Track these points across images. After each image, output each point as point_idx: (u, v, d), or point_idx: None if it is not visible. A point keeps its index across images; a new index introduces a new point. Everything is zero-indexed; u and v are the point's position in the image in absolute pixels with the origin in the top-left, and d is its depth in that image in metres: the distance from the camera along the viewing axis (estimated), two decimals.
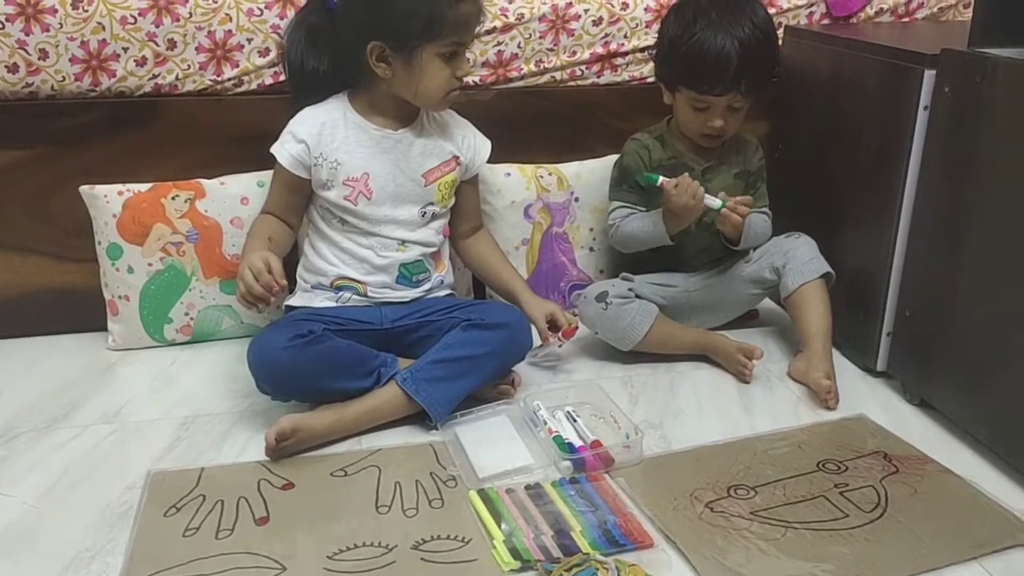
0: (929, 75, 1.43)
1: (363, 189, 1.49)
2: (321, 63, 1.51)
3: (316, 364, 1.39)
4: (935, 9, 1.98)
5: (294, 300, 1.56)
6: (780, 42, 1.87)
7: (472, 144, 1.60)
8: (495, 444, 1.38)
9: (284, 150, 1.50)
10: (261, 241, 1.47)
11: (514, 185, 1.79)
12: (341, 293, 1.52)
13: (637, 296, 1.64)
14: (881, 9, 1.94)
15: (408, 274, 1.54)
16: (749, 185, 1.73)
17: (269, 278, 1.34)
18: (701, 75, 1.57)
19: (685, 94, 1.62)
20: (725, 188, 1.66)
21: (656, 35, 1.82)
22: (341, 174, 1.49)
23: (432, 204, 1.55)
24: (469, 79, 1.77)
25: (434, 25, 1.39)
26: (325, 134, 1.49)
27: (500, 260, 1.69)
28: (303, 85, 1.54)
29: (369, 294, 1.52)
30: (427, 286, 1.57)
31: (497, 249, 1.71)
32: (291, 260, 1.74)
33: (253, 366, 1.40)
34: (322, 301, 1.53)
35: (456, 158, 1.57)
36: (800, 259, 1.64)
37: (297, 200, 1.54)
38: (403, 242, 1.53)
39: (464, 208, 1.64)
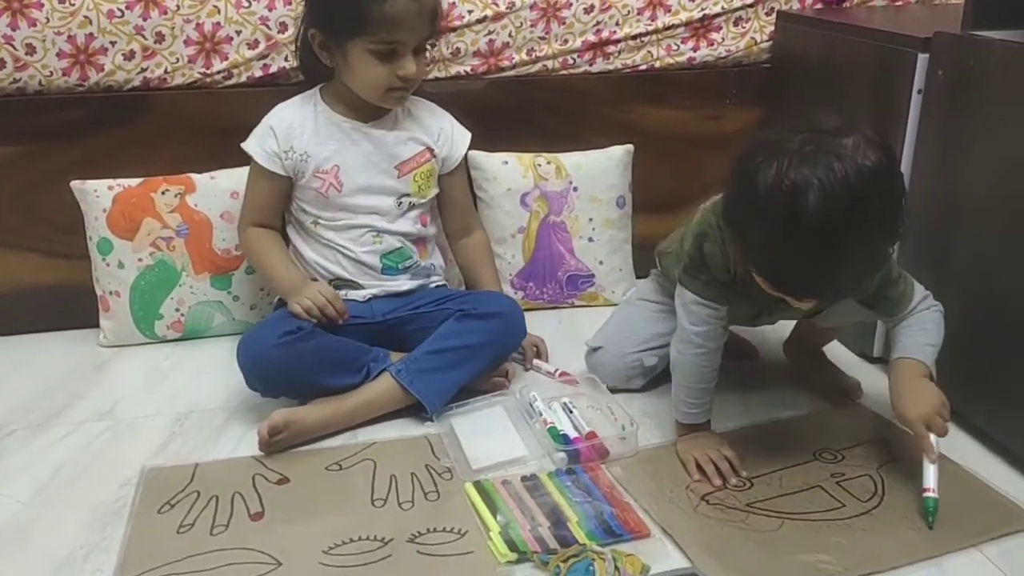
0: (922, 59, 1.42)
1: (333, 181, 1.48)
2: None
3: (306, 361, 1.38)
4: None
5: None
6: (773, 28, 1.86)
7: (449, 136, 1.58)
8: (490, 435, 1.38)
9: (258, 147, 1.49)
10: (291, 269, 1.51)
11: (511, 173, 1.78)
12: (339, 291, 1.51)
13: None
14: None
15: (392, 264, 1.53)
16: (869, 302, 1.30)
17: (335, 313, 1.43)
18: (793, 287, 1.14)
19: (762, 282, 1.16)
20: (799, 315, 1.40)
21: (648, 23, 1.81)
22: (311, 166, 1.48)
23: (408, 195, 1.53)
24: (460, 69, 1.76)
25: (359, 20, 1.38)
26: (295, 127, 1.49)
27: (487, 273, 1.66)
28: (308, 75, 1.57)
29: (365, 287, 1.52)
30: (417, 271, 1.55)
31: (487, 260, 1.68)
32: None
33: (243, 363, 1.39)
34: None
35: (430, 150, 1.55)
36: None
37: (279, 201, 1.52)
38: (378, 233, 1.51)
39: (450, 202, 1.62)
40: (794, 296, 1.15)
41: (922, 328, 1.28)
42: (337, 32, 1.41)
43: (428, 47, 1.49)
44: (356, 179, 1.49)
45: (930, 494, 1.18)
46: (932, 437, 1.20)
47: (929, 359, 1.25)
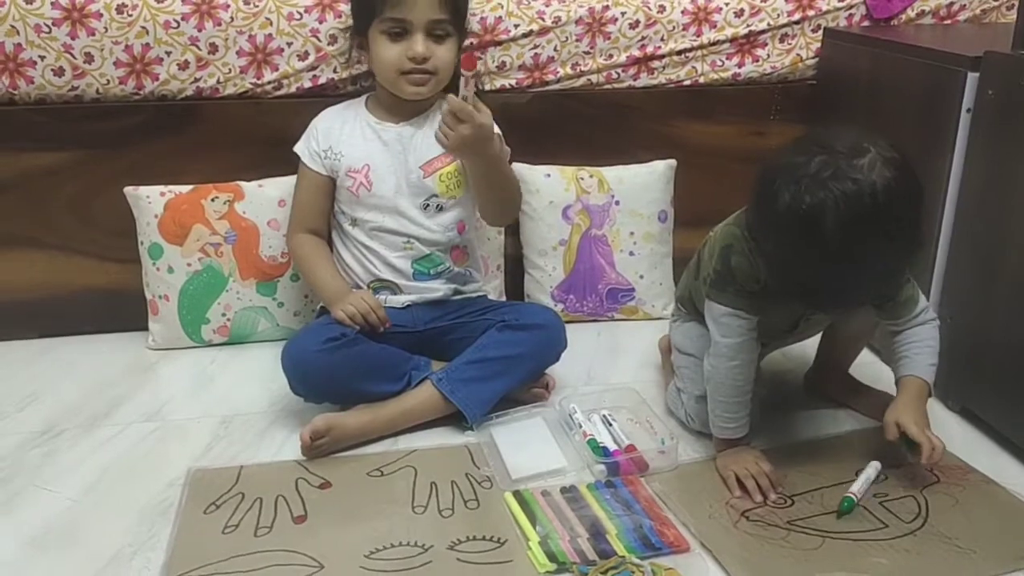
0: (972, 78, 1.41)
1: (363, 180, 1.51)
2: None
3: (348, 367, 1.40)
4: (977, 11, 1.95)
5: None
6: (820, 44, 1.86)
7: None
8: (529, 446, 1.38)
9: (304, 146, 1.56)
10: (335, 277, 1.53)
11: (553, 186, 1.79)
12: (379, 294, 1.53)
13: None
14: (922, 11, 1.92)
15: (423, 269, 1.54)
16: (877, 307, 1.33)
17: (376, 320, 1.45)
18: (816, 302, 1.26)
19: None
20: (822, 326, 1.44)
21: (693, 38, 1.82)
22: (343, 165, 1.52)
23: (436, 196, 1.53)
24: (505, 82, 1.78)
25: (371, 4, 1.46)
26: (335, 128, 1.54)
27: None
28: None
29: (403, 290, 1.53)
30: (451, 276, 1.56)
31: None
32: None
33: (287, 368, 1.42)
34: None
35: None
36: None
37: (324, 202, 1.56)
38: (408, 239, 1.52)
39: None
40: (819, 309, 1.25)
41: (926, 346, 1.32)
42: (361, 25, 1.50)
43: (451, 35, 1.49)
44: (386, 179, 1.52)
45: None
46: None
47: (931, 379, 1.32)
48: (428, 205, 1.53)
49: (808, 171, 1.10)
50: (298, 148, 1.57)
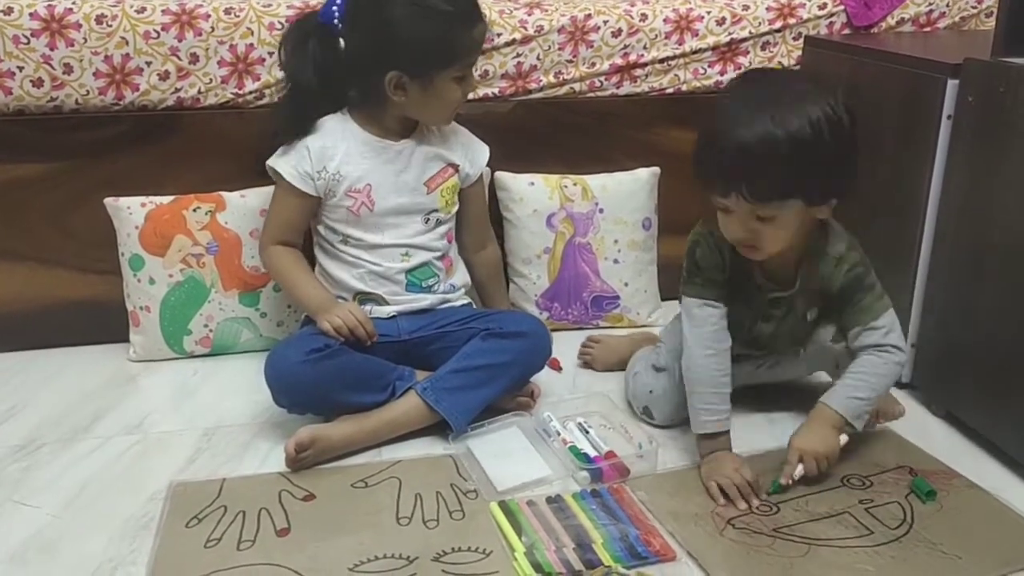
0: (952, 84, 1.42)
1: (365, 200, 1.50)
2: (315, 80, 1.49)
3: (332, 378, 1.39)
4: (957, 18, 1.97)
5: None
6: (801, 52, 1.87)
7: (470, 151, 1.60)
8: (510, 456, 1.38)
9: (290, 167, 1.49)
10: (318, 288, 1.52)
11: (537, 194, 1.79)
12: (364, 305, 1.52)
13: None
14: (902, 19, 1.93)
15: (416, 281, 1.54)
16: (837, 305, 1.37)
17: (364, 334, 1.44)
18: (702, 167, 1.29)
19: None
20: (790, 325, 1.43)
21: (675, 46, 1.83)
22: (343, 186, 1.50)
23: (436, 211, 1.54)
24: (488, 91, 1.78)
25: (451, 52, 1.41)
26: (328, 148, 1.50)
27: (495, 289, 1.70)
28: (301, 101, 1.51)
29: (389, 302, 1.53)
30: (441, 289, 1.56)
31: (499, 279, 1.72)
32: None
33: (270, 380, 1.41)
34: None
35: (453, 165, 1.56)
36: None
37: (305, 220, 1.54)
38: (406, 251, 1.52)
39: (469, 215, 1.63)
40: (699, 176, 1.27)
41: (865, 379, 1.33)
42: (427, 68, 1.42)
43: None
44: (388, 197, 1.51)
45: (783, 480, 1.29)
46: (799, 469, 1.29)
47: (851, 412, 1.32)
48: (429, 219, 1.54)
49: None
50: (280, 167, 1.50)
